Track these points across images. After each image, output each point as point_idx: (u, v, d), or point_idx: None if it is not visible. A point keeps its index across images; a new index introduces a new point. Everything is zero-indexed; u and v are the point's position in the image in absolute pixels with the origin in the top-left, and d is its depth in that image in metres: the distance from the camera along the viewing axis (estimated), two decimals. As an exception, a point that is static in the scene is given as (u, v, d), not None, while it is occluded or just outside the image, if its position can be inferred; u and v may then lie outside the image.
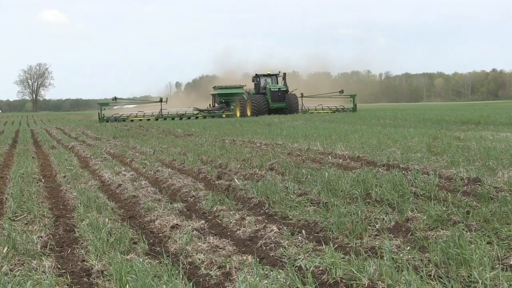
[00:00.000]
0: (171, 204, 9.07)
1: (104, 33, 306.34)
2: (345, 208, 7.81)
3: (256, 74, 52.11)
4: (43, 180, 12.49)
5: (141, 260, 5.92)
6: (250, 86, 55.30)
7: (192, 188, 10.42)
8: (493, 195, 8.39)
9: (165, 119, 54.32)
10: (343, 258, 5.76)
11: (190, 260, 6.09)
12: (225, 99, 59.02)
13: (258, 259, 5.90)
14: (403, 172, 10.78)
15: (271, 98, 49.45)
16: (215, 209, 8.57)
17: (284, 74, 52.13)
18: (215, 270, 5.75)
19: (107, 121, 51.73)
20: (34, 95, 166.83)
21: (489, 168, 11.06)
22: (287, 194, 9.16)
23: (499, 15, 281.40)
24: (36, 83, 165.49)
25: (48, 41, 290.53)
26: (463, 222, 6.88)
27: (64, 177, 12.74)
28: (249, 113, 49.65)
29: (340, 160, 13.57)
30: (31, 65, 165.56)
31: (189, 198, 9.69)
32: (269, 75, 52.02)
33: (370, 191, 9.04)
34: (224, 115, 56.46)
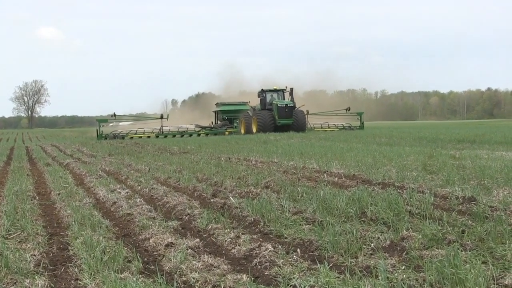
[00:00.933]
0: (166, 222, 9.04)
1: (101, 49, 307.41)
2: (340, 226, 7.80)
3: (262, 89, 50.33)
4: (37, 198, 12.44)
5: (135, 279, 5.88)
6: (254, 102, 53.70)
7: (187, 206, 10.40)
8: (488, 214, 8.39)
9: (165, 136, 52.77)
10: (338, 278, 5.73)
11: (185, 279, 6.06)
12: (228, 116, 57.63)
13: (252, 278, 5.88)
14: (399, 190, 10.77)
15: (278, 114, 47.66)
16: (210, 227, 8.54)
17: (291, 89, 50.23)
18: (209, 289, 5.71)
19: (106, 138, 50.24)
20: (29, 112, 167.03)
21: (484, 187, 11.07)
22: (282, 213, 9.14)
23: (494, 34, 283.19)
24: (31, 100, 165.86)
25: (44, 58, 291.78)
26: (458, 242, 6.87)
27: (59, 194, 12.70)
28: (254, 130, 47.78)
29: (336, 179, 13.56)
30: (27, 82, 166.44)
31: (184, 216, 9.66)
32: (275, 90, 50.39)
33: (366, 210, 9.03)
34: (226, 132, 54.56)
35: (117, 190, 12.98)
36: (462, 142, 27.89)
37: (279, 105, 47.84)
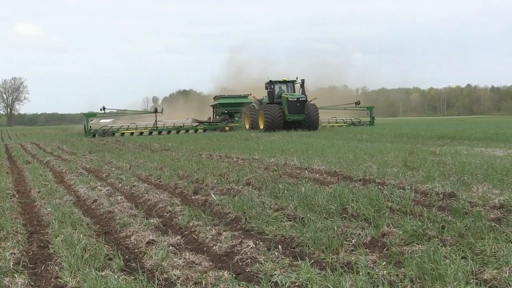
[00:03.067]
0: (147, 219, 9.01)
1: (81, 46, 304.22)
2: (321, 223, 7.83)
3: (270, 81, 44.52)
4: (17, 196, 12.33)
5: (116, 276, 5.86)
6: (257, 95, 48.64)
7: (169, 203, 10.37)
8: (468, 210, 8.46)
9: (160, 132, 49.25)
10: (319, 274, 5.75)
11: (166, 276, 6.04)
12: (228, 110, 53.62)
13: (234, 275, 5.88)
14: (379, 187, 10.83)
15: (288, 109, 42.19)
16: (191, 224, 8.52)
17: (303, 81, 44.32)
18: (191, 286, 5.71)
19: (94, 135, 46.73)
20: (8, 110, 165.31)
21: (464, 183, 11.16)
22: (264, 209, 9.15)
23: (473, 31, 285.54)
24: (10, 97, 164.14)
25: (23, 55, 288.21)
26: (438, 237, 6.92)
27: (39, 192, 12.60)
28: (261, 126, 42.79)
29: (317, 175, 13.60)
30: (5, 79, 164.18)
31: (165, 214, 9.64)
32: (284, 82, 44.79)
33: (347, 206, 9.06)
34: (227, 128, 50.61)
35: (98, 187, 12.91)
36: (442, 139, 28.12)
37: (289, 99, 42.35)
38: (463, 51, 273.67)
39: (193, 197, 11.12)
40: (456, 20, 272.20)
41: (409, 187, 10.53)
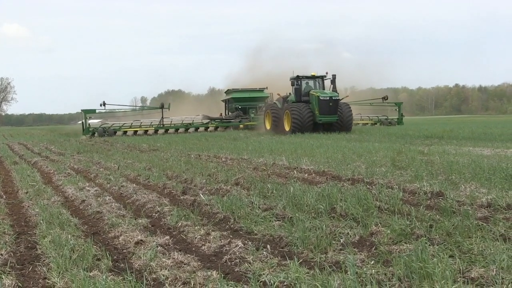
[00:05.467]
0: (135, 219, 8.99)
1: (69, 47, 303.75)
2: (310, 222, 7.84)
3: (297, 76, 37.95)
4: (4, 197, 12.27)
5: (104, 277, 5.84)
6: (271, 89, 45.34)
7: (157, 203, 10.35)
8: (456, 209, 8.51)
9: (166, 130, 45.04)
10: (308, 273, 5.76)
11: (154, 276, 6.03)
12: (242, 105, 48.85)
13: (222, 275, 5.87)
14: (368, 186, 10.86)
15: (319, 109, 35.96)
16: (180, 224, 8.51)
17: (334, 76, 37.86)
18: (179, 286, 5.70)
19: (94, 134, 43.10)
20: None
21: (452, 182, 11.21)
22: (253, 209, 9.15)
23: (462, 32, 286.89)
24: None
25: (10, 56, 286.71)
26: (426, 236, 6.95)
27: (26, 193, 12.54)
28: (287, 127, 36.70)
29: (306, 175, 13.61)
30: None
31: (153, 214, 9.62)
32: (313, 77, 38.47)
33: (335, 206, 9.08)
34: (241, 126, 46.34)
35: (86, 188, 12.87)
36: (430, 138, 28.24)
37: (321, 98, 36.01)
38: (451, 51, 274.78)
39: (181, 197, 11.10)
40: (444, 21, 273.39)
41: (397, 187, 10.57)
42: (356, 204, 8.90)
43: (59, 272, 6.17)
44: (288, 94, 39.09)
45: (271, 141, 28.40)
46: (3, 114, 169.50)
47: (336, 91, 37.37)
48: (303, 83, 38.26)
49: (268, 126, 39.16)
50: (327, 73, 38.58)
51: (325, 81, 38.66)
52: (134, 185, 13.11)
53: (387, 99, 48.92)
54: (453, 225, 7.39)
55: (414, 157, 16.28)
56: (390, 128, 41.74)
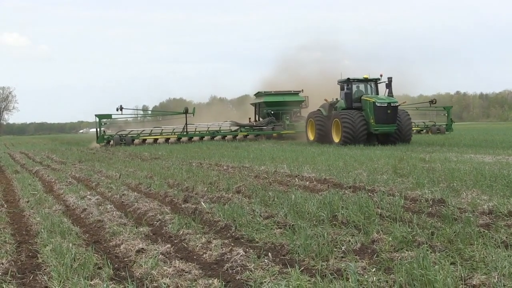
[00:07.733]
0: (136, 228, 8.98)
1: (68, 55, 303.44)
2: (311, 230, 7.83)
3: (347, 78, 32.18)
4: (5, 206, 12.27)
5: (105, 285, 5.83)
6: (307, 92, 41.69)
7: (158, 211, 10.34)
8: (457, 216, 8.50)
9: (190, 138, 40.23)
10: (309, 281, 5.75)
11: (156, 284, 6.02)
12: (275, 110, 43.88)
13: (224, 283, 5.87)
14: (369, 194, 10.86)
15: (375, 117, 30.27)
16: (181, 232, 8.50)
17: (389, 79, 31.98)
18: (180, 294, 5.68)
19: (109, 142, 39.09)
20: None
21: (453, 189, 11.20)
22: (254, 217, 9.14)
23: (463, 39, 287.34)
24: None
25: (10, 65, 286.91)
26: (427, 243, 6.94)
27: (28, 202, 12.53)
28: (336, 138, 31.32)
29: (307, 183, 13.61)
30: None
31: (155, 222, 9.61)
32: (365, 80, 32.49)
33: (337, 213, 9.08)
34: (274, 134, 41.42)
35: (87, 196, 12.86)
36: (431, 145, 28.23)
37: (377, 104, 30.30)
38: (452, 58, 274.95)
39: (183, 206, 11.09)
40: (445, 28, 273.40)
41: (398, 194, 10.57)
42: (357, 212, 8.89)
43: (60, 281, 6.16)
44: (335, 99, 33.66)
45: (272, 149, 28.40)
46: (5, 123, 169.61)
47: (392, 96, 31.81)
48: (354, 86, 32.50)
49: (311, 137, 34.30)
50: (381, 75, 32.74)
51: (378, 84, 32.99)
52: (135, 193, 13.10)
53: (435, 102, 44.80)
54: (454, 232, 7.38)
55: (416, 165, 16.28)
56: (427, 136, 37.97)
